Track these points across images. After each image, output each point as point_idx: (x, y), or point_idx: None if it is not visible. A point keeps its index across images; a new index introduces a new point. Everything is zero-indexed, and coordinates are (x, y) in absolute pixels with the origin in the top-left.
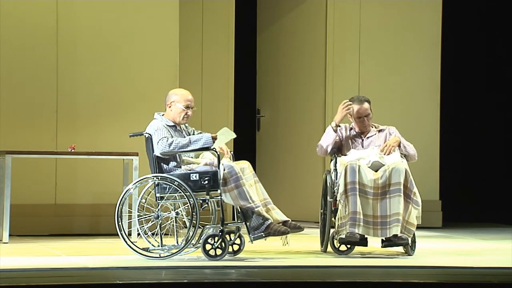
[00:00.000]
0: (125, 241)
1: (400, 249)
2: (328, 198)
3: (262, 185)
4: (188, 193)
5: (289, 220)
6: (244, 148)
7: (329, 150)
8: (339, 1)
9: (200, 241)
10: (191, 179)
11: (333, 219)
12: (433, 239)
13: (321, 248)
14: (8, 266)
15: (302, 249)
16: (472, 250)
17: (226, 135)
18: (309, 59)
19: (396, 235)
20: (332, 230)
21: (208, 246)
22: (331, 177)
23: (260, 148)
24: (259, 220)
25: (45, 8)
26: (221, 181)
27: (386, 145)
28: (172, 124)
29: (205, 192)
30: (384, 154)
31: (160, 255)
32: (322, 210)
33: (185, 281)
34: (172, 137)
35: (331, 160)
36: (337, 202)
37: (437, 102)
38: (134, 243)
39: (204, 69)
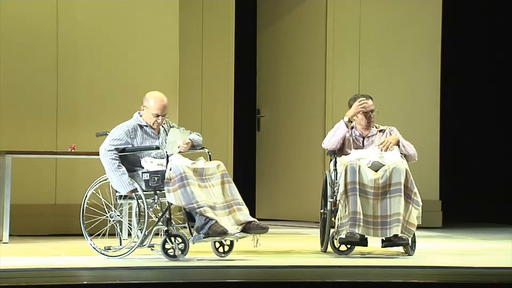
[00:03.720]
0: (87, 241)
1: (400, 249)
2: (328, 198)
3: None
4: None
5: (253, 221)
6: (244, 148)
7: (335, 146)
8: (339, 1)
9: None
10: (143, 178)
11: (333, 219)
12: (433, 239)
13: (321, 248)
14: (8, 266)
15: (302, 249)
16: (472, 250)
17: (176, 136)
18: (309, 59)
19: (397, 235)
20: (332, 230)
21: (166, 247)
22: (331, 177)
23: (260, 148)
24: (201, 220)
25: (45, 8)
26: (165, 180)
27: (384, 141)
28: (145, 124)
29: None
30: (382, 150)
31: (113, 254)
32: (322, 210)
33: (184, 281)
34: (126, 142)
35: (331, 160)
36: (337, 202)
37: (437, 102)
38: (93, 244)
39: (204, 69)
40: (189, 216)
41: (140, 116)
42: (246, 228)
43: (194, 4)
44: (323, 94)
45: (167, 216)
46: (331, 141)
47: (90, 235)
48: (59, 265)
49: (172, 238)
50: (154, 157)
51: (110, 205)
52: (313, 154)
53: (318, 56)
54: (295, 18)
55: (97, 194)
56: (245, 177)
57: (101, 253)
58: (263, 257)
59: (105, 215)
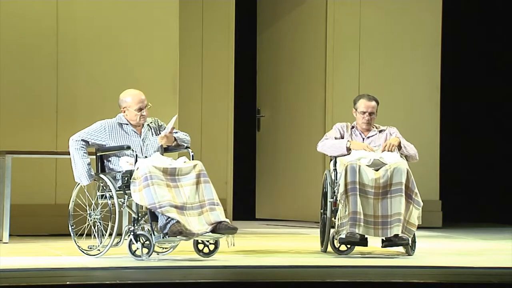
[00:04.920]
0: (73, 240)
1: (400, 249)
2: (328, 198)
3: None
4: (110, 192)
5: (223, 221)
6: (244, 148)
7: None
8: (339, 1)
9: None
10: (116, 178)
11: (333, 219)
12: (433, 239)
13: (321, 248)
14: (8, 266)
15: (302, 249)
16: (472, 250)
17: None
18: (309, 59)
19: (397, 235)
20: (332, 230)
21: (133, 247)
22: (331, 177)
23: (260, 148)
24: (163, 220)
25: (45, 8)
26: (131, 180)
27: (386, 144)
28: (125, 123)
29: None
30: (386, 151)
31: (97, 252)
32: (322, 210)
33: (184, 281)
34: (96, 139)
35: (331, 160)
36: (337, 202)
37: (437, 101)
38: (78, 243)
39: (204, 69)
40: (153, 216)
41: (122, 115)
42: (216, 229)
43: (194, 4)
44: (323, 94)
45: (134, 216)
46: (325, 151)
47: (80, 235)
48: (59, 265)
49: (139, 238)
50: (132, 156)
51: (85, 206)
52: (313, 154)
53: (318, 56)
54: (295, 18)
55: (80, 194)
56: (245, 177)
57: (84, 252)
58: (263, 257)
59: (88, 217)
